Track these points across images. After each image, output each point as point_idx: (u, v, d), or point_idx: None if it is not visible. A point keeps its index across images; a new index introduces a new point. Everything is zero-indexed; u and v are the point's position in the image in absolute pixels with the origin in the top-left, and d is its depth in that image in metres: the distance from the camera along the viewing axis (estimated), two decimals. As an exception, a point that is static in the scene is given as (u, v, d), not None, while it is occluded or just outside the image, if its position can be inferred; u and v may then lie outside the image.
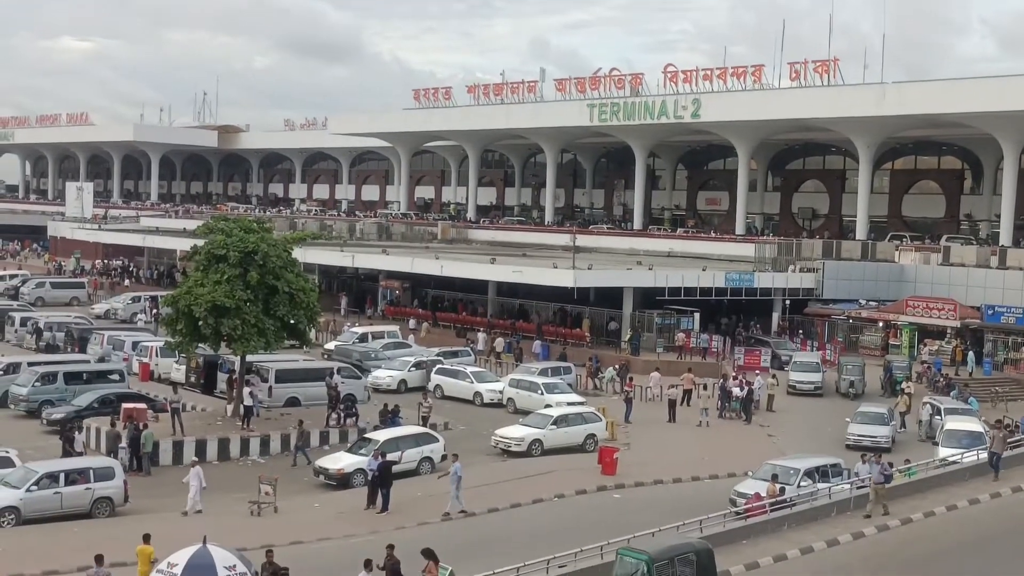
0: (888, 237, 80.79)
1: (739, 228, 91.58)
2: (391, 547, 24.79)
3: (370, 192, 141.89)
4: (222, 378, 48.68)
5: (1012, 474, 35.81)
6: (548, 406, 46.41)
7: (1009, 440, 39.10)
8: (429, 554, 24.82)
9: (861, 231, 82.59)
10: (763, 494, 32.06)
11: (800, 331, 65.95)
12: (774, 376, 53.54)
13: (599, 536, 28.05)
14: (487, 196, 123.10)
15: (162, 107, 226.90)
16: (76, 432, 38.96)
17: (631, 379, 51.84)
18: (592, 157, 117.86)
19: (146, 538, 26.95)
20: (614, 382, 54.66)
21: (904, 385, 50.44)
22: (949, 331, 61.80)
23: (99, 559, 25.00)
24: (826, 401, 52.89)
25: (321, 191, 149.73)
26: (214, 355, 48.36)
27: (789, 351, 60.74)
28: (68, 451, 37.67)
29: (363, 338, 61.86)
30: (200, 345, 44.38)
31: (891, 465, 33.59)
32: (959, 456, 37.11)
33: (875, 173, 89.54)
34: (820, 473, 34.32)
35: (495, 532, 31.90)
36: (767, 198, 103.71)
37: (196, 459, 36.46)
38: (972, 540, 30.05)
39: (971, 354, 58.49)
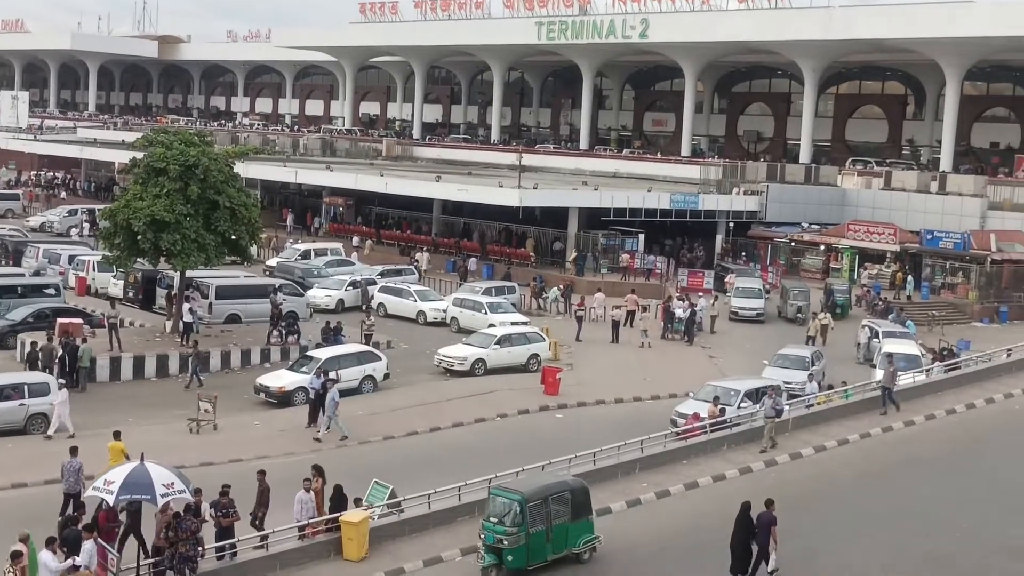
0: (850, 162, 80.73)
1: (685, 150, 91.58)
2: (262, 473, 24.08)
3: (314, 107, 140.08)
4: (161, 294, 48.10)
5: (943, 399, 36.34)
6: (492, 325, 46.39)
7: (944, 364, 39.77)
8: (318, 470, 24.67)
9: (805, 155, 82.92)
10: (703, 415, 32.36)
11: (743, 253, 66.30)
12: (716, 298, 53.83)
13: (541, 455, 28.21)
14: (433, 113, 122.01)
15: (101, 16, 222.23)
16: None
17: (582, 299, 51.76)
18: (539, 76, 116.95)
19: (116, 435, 27.17)
20: (558, 302, 54.72)
21: (822, 315, 49.80)
22: (889, 255, 62.39)
23: (73, 451, 25.31)
24: (769, 326, 53.23)
25: (264, 105, 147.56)
26: (153, 270, 47.71)
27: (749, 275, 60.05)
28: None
29: (305, 255, 61.31)
30: (139, 260, 43.73)
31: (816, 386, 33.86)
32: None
33: (820, 97, 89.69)
34: (760, 394, 34.59)
35: (437, 451, 31.95)
36: (713, 120, 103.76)
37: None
38: (905, 459, 30.57)
39: (910, 278, 59.16)
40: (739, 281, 57.18)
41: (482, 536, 22.75)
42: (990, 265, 58.21)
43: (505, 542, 22.34)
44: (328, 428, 32.80)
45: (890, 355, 37.78)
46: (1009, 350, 40.86)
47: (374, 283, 53.86)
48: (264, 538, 23.21)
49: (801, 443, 31.78)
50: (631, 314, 50.38)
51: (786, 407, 32.76)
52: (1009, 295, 58.11)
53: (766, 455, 30.67)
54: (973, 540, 24.95)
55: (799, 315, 53.77)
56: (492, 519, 22.67)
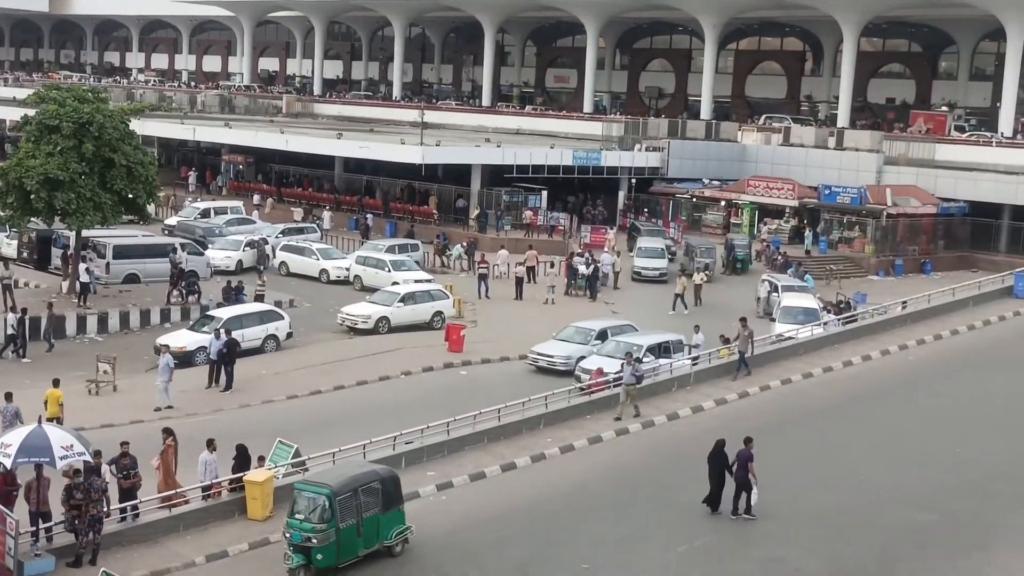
0: (763, 119, 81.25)
1: (587, 106, 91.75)
2: (125, 444, 23.10)
3: (212, 63, 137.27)
4: (57, 254, 46.98)
5: (841, 351, 37.04)
6: (395, 283, 46.17)
7: (841, 317, 40.55)
8: (168, 432, 24.13)
9: (705, 111, 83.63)
10: (607, 370, 32.58)
11: (645, 209, 66.75)
12: (619, 254, 54.12)
13: (446, 413, 28.26)
14: (333, 70, 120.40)
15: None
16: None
17: (483, 256, 51.65)
18: (441, 32, 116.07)
19: (55, 382, 27.19)
20: (462, 259, 54.62)
21: (699, 276, 49.20)
22: (788, 210, 63.32)
23: (8, 396, 25.38)
24: (672, 285, 53.07)
25: (160, 61, 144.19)
26: (48, 230, 46.55)
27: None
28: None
29: (205, 214, 60.28)
30: (32, 219, 42.68)
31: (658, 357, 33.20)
32: (794, 332, 38.25)
33: (720, 53, 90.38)
34: (662, 349, 35.01)
35: (341, 410, 31.78)
36: (615, 77, 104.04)
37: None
38: (803, 412, 31.16)
39: (808, 232, 60.11)
40: (642, 240, 56.85)
41: (287, 535, 21.11)
42: (886, 219, 59.38)
43: (314, 540, 20.77)
44: (167, 397, 31.89)
45: (744, 319, 35.73)
46: (904, 303, 41.79)
47: (266, 242, 52.77)
48: (167, 499, 22.91)
49: (703, 396, 32.21)
50: (531, 270, 50.52)
51: (646, 374, 31.96)
52: (904, 249, 59.39)
53: (620, 423, 29.81)
54: (869, 490, 25.56)
55: (707, 272, 54.10)
56: (298, 516, 21.06)
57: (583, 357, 35.46)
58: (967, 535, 23.15)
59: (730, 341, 34.92)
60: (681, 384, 32.78)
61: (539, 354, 36.58)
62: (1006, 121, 70.14)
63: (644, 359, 33.90)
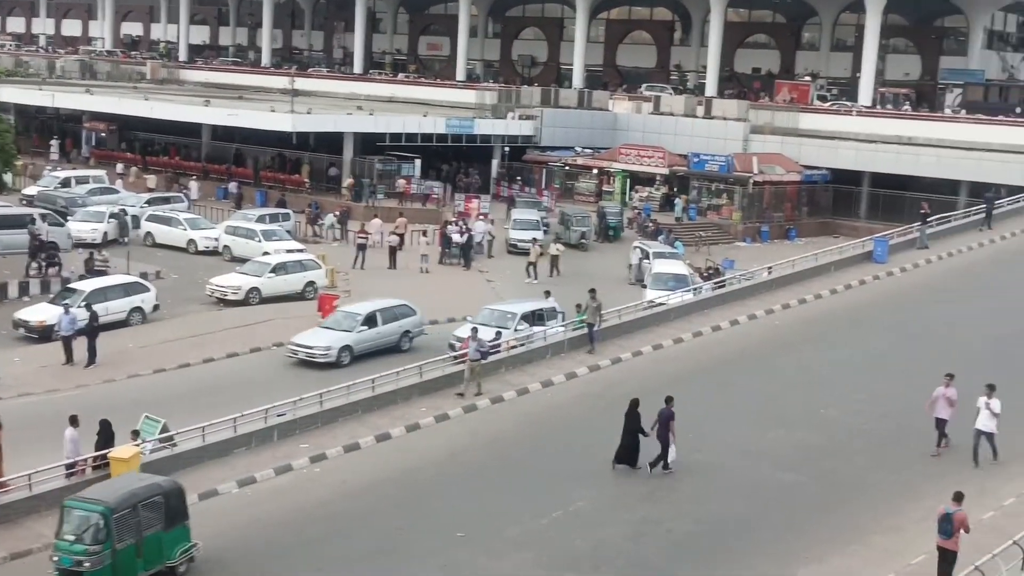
0: (642, 88, 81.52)
1: (460, 74, 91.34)
2: None
3: (71, 27, 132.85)
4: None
5: (711, 316, 37.64)
6: (266, 253, 45.47)
7: (710, 283, 41.18)
8: None
9: (577, 79, 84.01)
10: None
11: (519, 178, 66.87)
12: (492, 222, 54.11)
13: (318, 383, 27.99)
14: (200, 35, 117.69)
15: None
16: None
17: (362, 226, 50.70)
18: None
19: None
20: (334, 229, 54.03)
21: (554, 247, 48.47)
22: (658, 178, 64.09)
23: None
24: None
25: (16, 24, 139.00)
26: (-103, 201, 44.66)
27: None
28: None
29: (65, 183, 58.41)
30: None
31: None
32: (666, 297, 38.72)
33: (591, 22, 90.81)
34: (536, 317, 35.12)
35: (212, 383, 31.22)
36: (488, 45, 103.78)
37: None
38: (674, 376, 31.58)
39: (678, 200, 60.94)
40: (516, 212, 56.38)
41: (55, 559, 19.01)
42: (752, 187, 60.55)
43: (87, 564, 18.66)
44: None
45: (593, 291, 33.78)
46: (770, 268, 42.58)
47: (126, 213, 51.22)
48: (28, 477, 22.22)
49: (577, 363, 32.41)
50: (402, 237, 50.23)
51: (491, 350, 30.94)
52: (770, 215, 60.65)
53: (464, 400, 28.87)
54: (739, 452, 26.05)
55: (583, 241, 54.39)
56: (68, 537, 18.90)
57: (347, 347, 33.52)
58: (833, 494, 23.75)
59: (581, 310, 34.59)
60: (555, 351, 32.92)
61: (298, 345, 33.78)
62: (865, 91, 71.94)
63: (519, 327, 34.07)
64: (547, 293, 37.45)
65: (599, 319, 33.54)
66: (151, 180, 63.40)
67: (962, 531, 18.99)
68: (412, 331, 35.82)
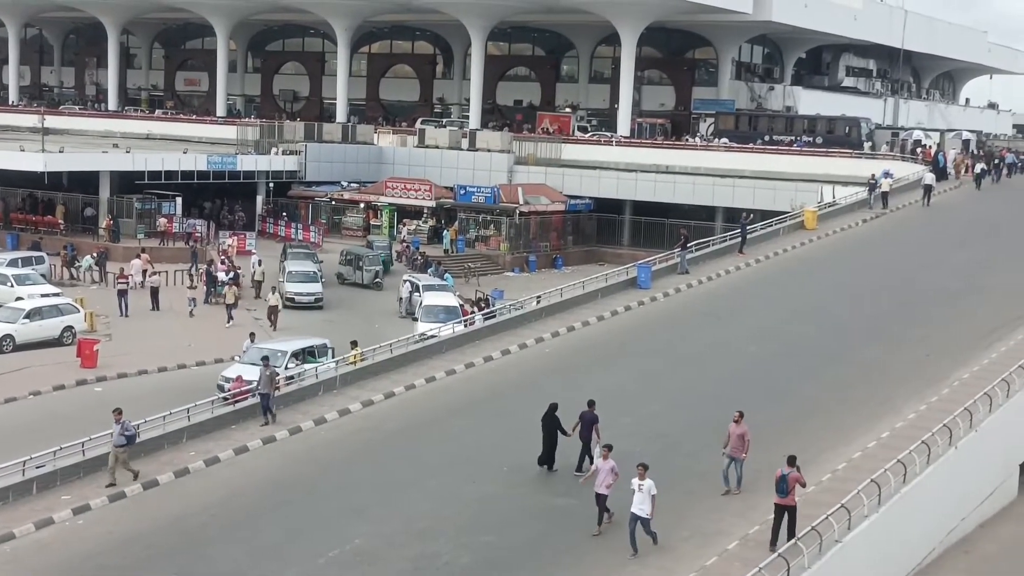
0: (419, 122, 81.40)
1: (220, 110, 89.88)
2: None
3: None
4: None
5: (482, 347, 38.03)
6: (20, 298, 43.49)
7: (481, 314, 41.59)
8: None
9: (341, 114, 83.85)
10: (247, 377, 31.93)
11: (284, 214, 66.07)
12: (260, 261, 53.14)
13: (81, 432, 26.79)
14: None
15: None
16: None
17: (122, 270, 48.68)
18: (60, 33, 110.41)
19: None
20: (92, 271, 52.11)
21: (273, 297, 45.87)
22: (426, 211, 64.48)
23: None
24: (332, 291, 52.33)
25: None
26: None
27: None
28: None
29: None
30: None
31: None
32: (437, 330, 38.84)
33: (353, 57, 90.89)
34: (307, 354, 34.74)
35: (-38, 437, 29.47)
36: (248, 79, 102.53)
37: None
38: (450, 408, 31.70)
39: (446, 232, 61.45)
40: (290, 264, 52.39)
41: None
42: (519, 217, 61.66)
43: None
44: None
45: (265, 358, 30.61)
46: (538, 297, 43.29)
47: None
48: None
49: (349, 399, 32.15)
50: (144, 273, 48.99)
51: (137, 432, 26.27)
52: (537, 245, 61.93)
53: (113, 488, 24.97)
54: (515, 480, 26.30)
55: (377, 280, 53.73)
56: None
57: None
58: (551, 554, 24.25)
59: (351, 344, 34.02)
60: (327, 387, 32.54)
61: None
62: (623, 122, 74.40)
63: (289, 365, 33.58)
64: (251, 336, 37.06)
65: (272, 388, 29.62)
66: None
67: (798, 486, 21.69)
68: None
